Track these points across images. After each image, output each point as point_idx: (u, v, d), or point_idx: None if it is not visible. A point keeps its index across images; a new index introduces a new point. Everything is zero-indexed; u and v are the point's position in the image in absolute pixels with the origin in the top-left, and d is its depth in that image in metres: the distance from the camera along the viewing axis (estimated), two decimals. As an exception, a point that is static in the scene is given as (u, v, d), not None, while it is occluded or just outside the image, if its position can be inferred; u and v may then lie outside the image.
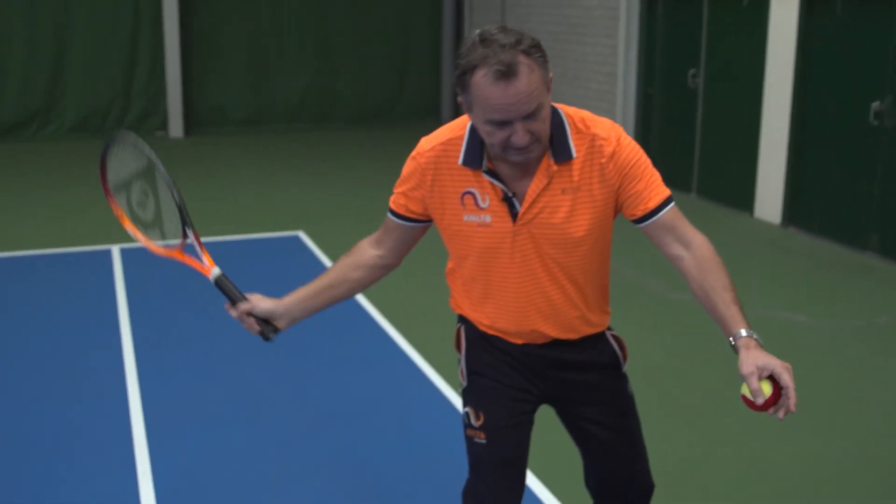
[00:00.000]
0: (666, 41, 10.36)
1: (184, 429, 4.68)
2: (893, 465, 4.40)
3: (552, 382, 2.73)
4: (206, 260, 2.79)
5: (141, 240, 2.95)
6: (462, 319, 2.81)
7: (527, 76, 2.27)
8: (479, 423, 2.68)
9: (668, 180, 9.01)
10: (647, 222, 2.51)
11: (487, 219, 2.52)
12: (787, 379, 2.18)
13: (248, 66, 14.57)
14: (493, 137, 2.36)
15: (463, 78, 2.33)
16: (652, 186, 2.51)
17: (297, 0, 14.58)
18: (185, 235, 2.82)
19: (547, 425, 3.18)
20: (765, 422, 4.77)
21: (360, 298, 6.55)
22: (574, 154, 2.47)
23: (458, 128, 2.56)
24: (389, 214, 2.74)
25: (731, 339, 2.32)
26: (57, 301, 6.59)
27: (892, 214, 7.61)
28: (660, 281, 6.78)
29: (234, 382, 5.25)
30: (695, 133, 9.88)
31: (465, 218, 2.55)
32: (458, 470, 4.26)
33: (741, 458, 4.46)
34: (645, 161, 2.53)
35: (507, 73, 2.25)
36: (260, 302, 2.73)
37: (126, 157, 2.97)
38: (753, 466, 4.37)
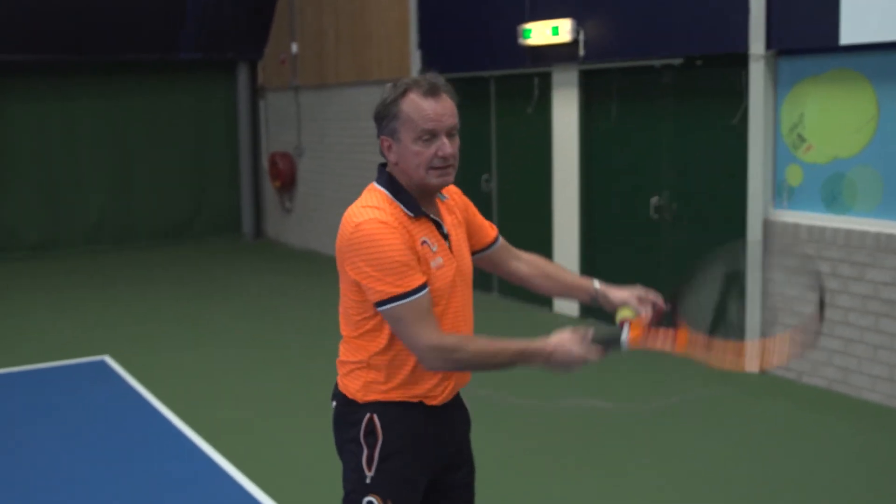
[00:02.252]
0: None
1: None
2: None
3: (450, 448, 2.94)
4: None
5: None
6: (371, 407, 2.83)
7: (448, 98, 2.76)
8: None
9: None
10: (495, 245, 3.10)
11: (441, 260, 2.80)
12: (652, 294, 2.89)
13: (41, 187, 14.17)
14: (421, 157, 2.70)
15: (391, 106, 2.73)
16: (486, 220, 3.12)
17: (91, 118, 14.37)
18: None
19: None
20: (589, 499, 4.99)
21: (170, 415, 6.46)
22: (445, 196, 2.96)
23: (379, 201, 2.76)
24: (416, 297, 2.66)
25: (591, 292, 3.01)
26: None
27: (677, 301, 8.14)
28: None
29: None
30: (492, 234, 10.27)
31: (432, 264, 2.77)
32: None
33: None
34: None
35: (435, 90, 2.73)
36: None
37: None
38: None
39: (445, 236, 2.83)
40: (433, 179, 2.73)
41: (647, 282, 8.25)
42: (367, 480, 2.81)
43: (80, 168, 14.39)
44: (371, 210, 2.70)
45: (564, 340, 2.68)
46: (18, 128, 14.01)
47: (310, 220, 13.93)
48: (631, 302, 2.85)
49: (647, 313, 2.82)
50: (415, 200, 2.77)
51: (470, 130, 10.60)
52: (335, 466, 2.94)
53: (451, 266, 2.81)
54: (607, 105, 8.76)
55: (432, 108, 2.70)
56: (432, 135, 2.70)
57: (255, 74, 15.18)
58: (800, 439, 5.93)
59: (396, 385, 2.81)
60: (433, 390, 2.83)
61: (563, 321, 8.97)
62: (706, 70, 7.79)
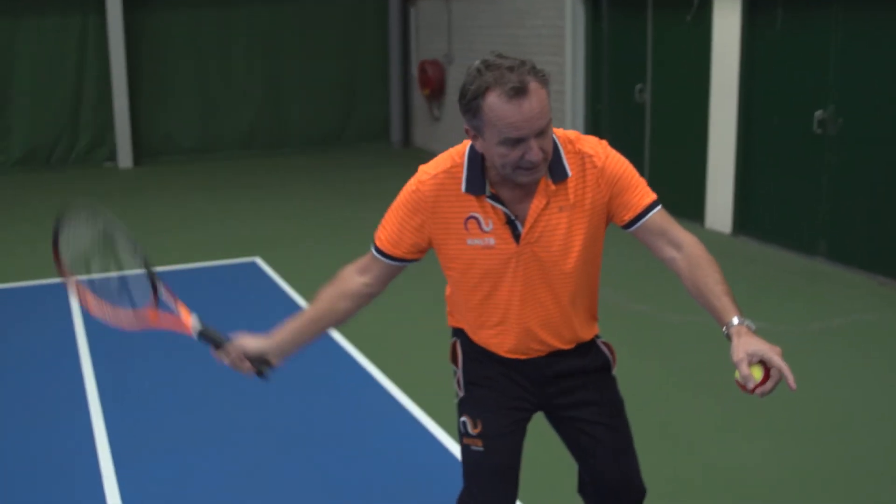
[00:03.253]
0: (612, 57, 10.51)
1: (151, 458, 4.65)
2: (855, 465, 4.50)
3: (548, 390, 2.83)
4: (183, 313, 2.85)
5: (110, 317, 2.96)
6: (458, 333, 2.89)
7: (536, 94, 2.41)
8: (477, 431, 2.77)
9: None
10: (636, 225, 2.65)
11: (491, 241, 2.62)
12: (777, 361, 2.30)
13: (197, 94, 14.51)
14: (506, 158, 2.46)
15: (473, 103, 2.45)
16: (639, 193, 2.65)
17: (245, 27, 14.58)
18: (156, 294, 2.89)
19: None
20: (733, 427, 4.85)
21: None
22: (570, 173, 2.60)
23: (458, 155, 2.65)
24: (375, 252, 2.76)
25: (724, 328, 2.44)
26: (13, 336, 6.51)
27: (838, 220, 7.79)
28: (649, 303, 6.89)
29: (200, 409, 5.23)
30: (644, 147, 10.02)
31: (469, 242, 2.64)
32: (431, 487, 4.30)
33: (712, 465, 4.53)
34: (631, 171, 2.67)
35: (520, 91, 2.38)
36: (250, 342, 2.78)
37: (81, 227, 3.02)
38: (726, 472, 4.45)
39: (511, 222, 2.60)
40: (520, 178, 2.51)
41: (807, 201, 7.96)
42: (456, 400, 2.86)
43: (235, 75, 14.65)
44: (429, 167, 2.68)
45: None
46: (176, 36, 14.29)
47: (458, 128, 13.85)
48: (742, 369, 2.30)
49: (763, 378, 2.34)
50: (481, 181, 2.59)
51: (625, 39, 10.28)
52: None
53: (504, 250, 2.62)
54: (772, 12, 8.31)
55: (517, 114, 2.39)
56: (518, 141, 2.43)
57: (407, -19, 15.07)
58: (967, 369, 5.62)
59: (468, 328, 2.84)
60: (492, 346, 2.79)
61: (714, 237, 8.70)
62: (883, -26, 7.28)
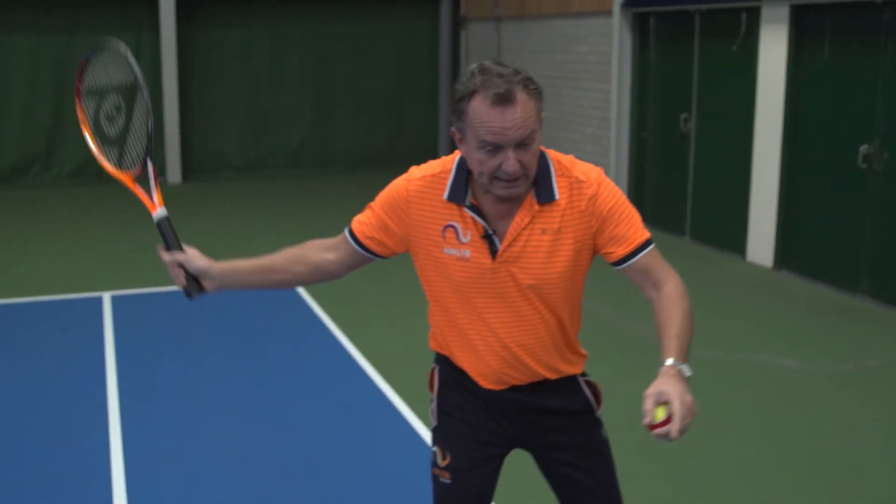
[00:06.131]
0: (658, 86, 10.41)
1: (165, 479, 4.64)
2: (876, 513, 4.36)
3: (524, 426, 2.75)
4: (157, 198, 2.81)
5: (94, 152, 3.03)
6: (439, 359, 2.82)
7: (522, 105, 2.38)
8: (445, 463, 2.74)
9: (660, 223, 8.96)
10: (624, 265, 2.58)
11: (467, 253, 2.57)
12: (676, 407, 2.26)
13: (248, 111, 14.66)
14: (483, 166, 2.42)
15: (459, 104, 2.43)
16: (631, 230, 2.57)
17: (296, 46, 14.71)
18: (143, 166, 2.87)
19: (519, 466, 3.16)
20: (744, 469, 4.72)
21: (346, 342, 6.53)
22: (557, 196, 2.53)
23: (448, 162, 2.62)
24: (348, 236, 2.74)
25: (660, 367, 2.39)
26: (44, 348, 6.56)
27: (882, 257, 7.59)
28: (649, 326, 6.74)
29: (218, 432, 5.21)
30: (687, 177, 9.89)
31: (445, 250, 2.59)
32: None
33: (722, 505, 4.42)
34: (625, 204, 2.59)
35: (504, 98, 2.36)
36: (196, 258, 2.71)
37: (112, 67, 3.05)
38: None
39: (489, 236, 2.53)
40: (497, 190, 2.46)
41: (850, 237, 7.77)
42: (432, 428, 2.81)
43: (285, 93, 14.77)
44: (419, 169, 2.64)
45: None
46: (228, 54, 14.47)
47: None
48: (646, 404, 2.28)
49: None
50: (463, 191, 2.55)
51: (671, 68, 10.17)
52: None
53: (480, 265, 2.55)
54: (819, 44, 8.16)
55: (498, 120, 2.36)
56: (496, 147, 2.39)
57: (458, 4, 15.08)
58: None
59: (446, 346, 2.79)
60: (474, 372, 2.71)
61: (754, 271, 8.54)
62: (933, 8, 7.12)
